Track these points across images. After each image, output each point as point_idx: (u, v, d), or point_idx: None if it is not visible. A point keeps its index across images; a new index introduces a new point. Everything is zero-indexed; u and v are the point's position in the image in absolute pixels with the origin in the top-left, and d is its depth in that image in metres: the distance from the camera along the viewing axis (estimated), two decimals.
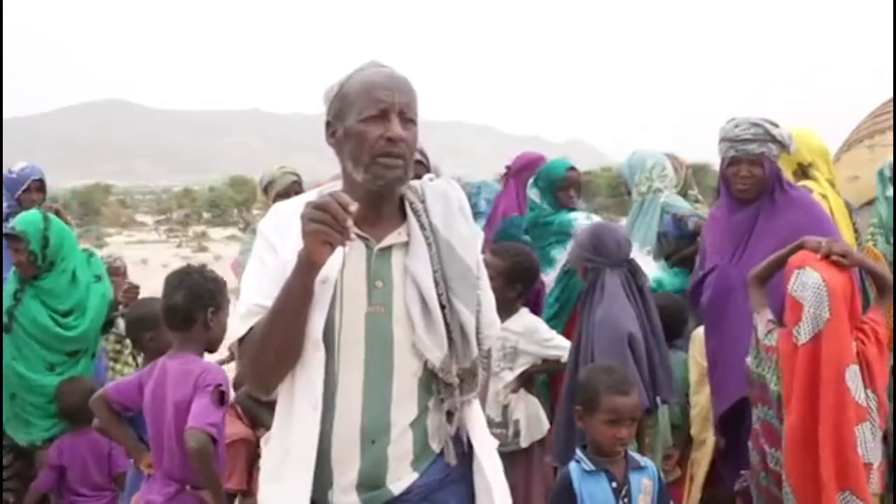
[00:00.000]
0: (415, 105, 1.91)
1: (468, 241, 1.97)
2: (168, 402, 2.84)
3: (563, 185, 4.27)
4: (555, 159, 4.60)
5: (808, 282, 2.76)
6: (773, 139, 3.24)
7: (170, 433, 2.83)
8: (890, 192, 3.74)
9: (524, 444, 3.49)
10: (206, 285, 2.92)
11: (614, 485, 2.66)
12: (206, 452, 2.70)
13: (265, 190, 4.76)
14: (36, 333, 3.97)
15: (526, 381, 3.50)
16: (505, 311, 3.54)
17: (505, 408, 3.48)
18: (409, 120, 1.89)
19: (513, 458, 3.44)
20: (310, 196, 1.95)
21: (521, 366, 3.49)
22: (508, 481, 3.15)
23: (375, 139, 1.85)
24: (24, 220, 3.99)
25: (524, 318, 3.56)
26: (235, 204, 39.90)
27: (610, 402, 2.68)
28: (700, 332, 3.77)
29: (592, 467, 2.68)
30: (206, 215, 41.15)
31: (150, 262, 19.72)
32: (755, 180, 3.25)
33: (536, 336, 3.51)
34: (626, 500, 2.65)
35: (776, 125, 3.28)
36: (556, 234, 4.21)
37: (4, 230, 4.07)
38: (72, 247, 4.14)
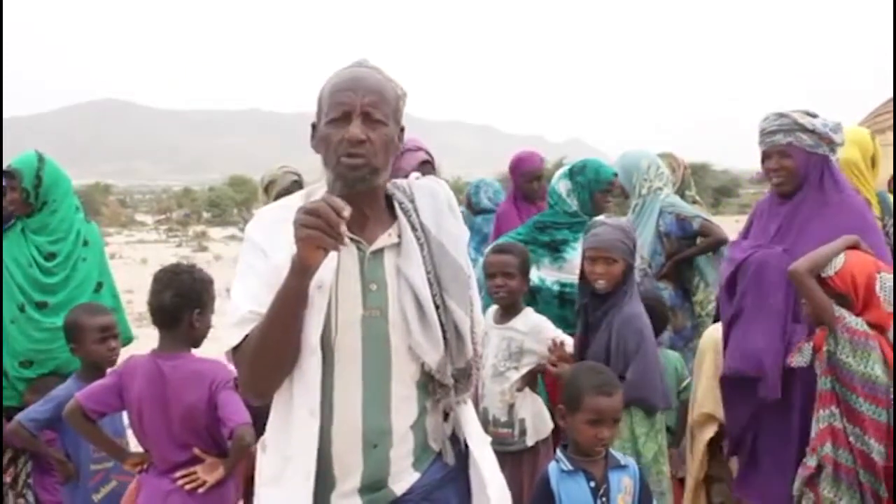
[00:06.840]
0: (383, 105, 1.85)
1: (458, 240, 1.96)
2: (175, 402, 2.83)
3: (607, 188, 4.25)
4: (599, 160, 4.43)
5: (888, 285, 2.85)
6: (804, 129, 3.12)
7: (181, 432, 2.84)
8: None
9: (530, 442, 3.47)
10: (194, 286, 2.93)
11: (592, 484, 2.64)
12: (251, 445, 2.74)
13: (266, 189, 4.74)
14: (14, 270, 3.92)
15: (531, 381, 3.51)
16: (513, 308, 3.56)
17: (511, 407, 3.47)
18: (376, 121, 1.84)
19: (519, 457, 3.44)
20: (296, 198, 1.94)
21: (527, 365, 3.48)
22: (514, 480, 3.12)
23: (338, 142, 1.83)
24: (21, 160, 4.00)
25: (530, 317, 3.56)
26: (235, 204, 39.86)
27: (593, 402, 2.65)
28: (708, 336, 3.54)
29: (570, 467, 2.66)
30: (205, 215, 41.12)
31: (150, 262, 19.72)
32: (787, 172, 3.15)
33: (542, 335, 3.50)
34: (604, 499, 2.63)
35: (814, 115, 3.16)
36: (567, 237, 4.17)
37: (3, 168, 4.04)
38: (65, 193, 4.11)
